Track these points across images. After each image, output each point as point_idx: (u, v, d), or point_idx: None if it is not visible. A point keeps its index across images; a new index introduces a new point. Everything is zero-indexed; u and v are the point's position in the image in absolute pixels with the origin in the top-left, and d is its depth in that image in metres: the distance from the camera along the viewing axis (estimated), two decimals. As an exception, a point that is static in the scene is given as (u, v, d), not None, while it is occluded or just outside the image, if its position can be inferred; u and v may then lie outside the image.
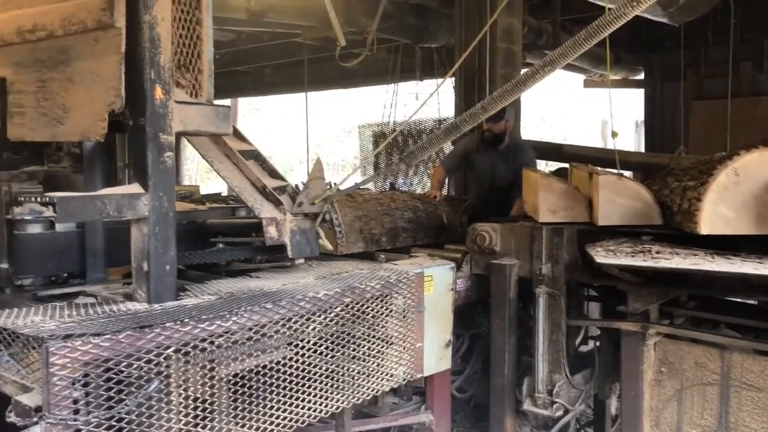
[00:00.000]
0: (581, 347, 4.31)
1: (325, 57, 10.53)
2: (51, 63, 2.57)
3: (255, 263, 3.39)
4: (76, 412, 1.85)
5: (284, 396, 2.46)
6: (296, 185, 3.14)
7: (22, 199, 2.85)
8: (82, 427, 1.85)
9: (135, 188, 2.39)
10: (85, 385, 1.89)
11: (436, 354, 3.35)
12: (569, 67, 9.71)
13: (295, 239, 2.87)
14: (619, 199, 3.42)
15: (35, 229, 2.80)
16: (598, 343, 3.86)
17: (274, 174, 3.05)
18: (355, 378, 2.73)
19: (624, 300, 3.32)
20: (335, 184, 3.11)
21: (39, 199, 2.84)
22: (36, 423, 1.81)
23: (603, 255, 3.03)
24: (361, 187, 4.25)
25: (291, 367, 2.47)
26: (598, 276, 3.37)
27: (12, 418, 1.87)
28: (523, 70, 6.86)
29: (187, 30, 2.58)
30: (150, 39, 2.36)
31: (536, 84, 2.90)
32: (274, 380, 2.40)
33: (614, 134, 4.66)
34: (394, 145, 10.02)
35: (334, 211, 2.97)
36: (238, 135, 3.07)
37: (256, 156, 3.05)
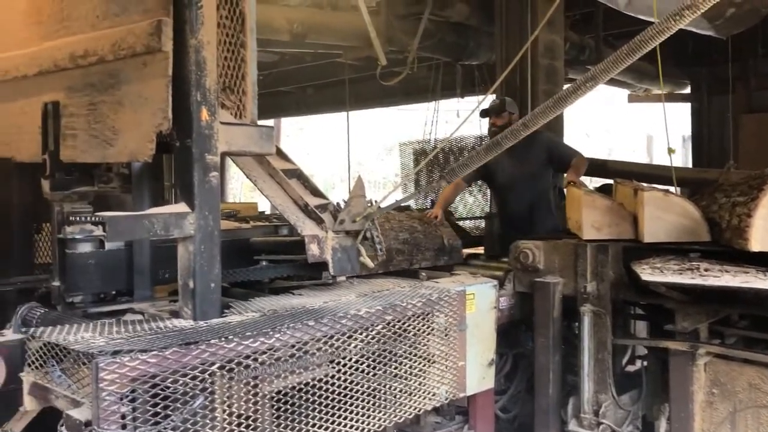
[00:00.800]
0: (628, 367, 4.22)
1: (365, 76, 10.64)
2: (101, 87, 2.65)
3: (297, 281, 3.43)
4: (124, 427, 1.88)
5: (326, 414, 2.47)
6: (338, 203, 3.17)
7: (74, 218, 2.94)
8: (129, 442, 1.89)
9: (181, 207, 2.45)
10: (133, 400, 1.93)
11: (479, 373, 3.32)
12: (613, 82, 9.62)
13: (336, 257, 2.89)
14: (665, 215, 3.35)
15: (86, 247, 2.88)
16: (645, 363, 3.78)
17: (316, 192, 3.09)
18: (397, 396, 2.72)
19: (672, 319, 3.24)
20: (376, 201, 3.13)
21: (89, 219, 2.93)
22: (86, 437, 1.86)
23: (649, 273, 2.97)
24: (402, 204, 4.26)
25: (333, 384, 2.48)
26: (644, 294, 3.30)
27: (63, 431, 1.92)
28: (566, 86, 6.83)
29: (232, 53, 2.64)
30: (196, 62, 2.42)
31: (579, 99, 2.87)
32: (316, 398, 2.41)
33: (671, 151, 4.58)
34: (435, 163, 10.02)
35: (374, 229, 2.99)
36: (281, 154, 3.12)
37: (298, 175, 3.10)
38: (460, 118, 9.01)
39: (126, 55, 2.51)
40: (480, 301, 3.36)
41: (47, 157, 2.88)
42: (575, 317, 3.62)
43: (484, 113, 5.21)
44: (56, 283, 2.93)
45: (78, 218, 2.91)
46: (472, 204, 10.55)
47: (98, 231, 2.90)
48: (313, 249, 2.83)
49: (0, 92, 3.16)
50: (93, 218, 2.91)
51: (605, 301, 3.49)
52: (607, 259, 3.49)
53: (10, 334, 2.69)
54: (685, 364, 3.21)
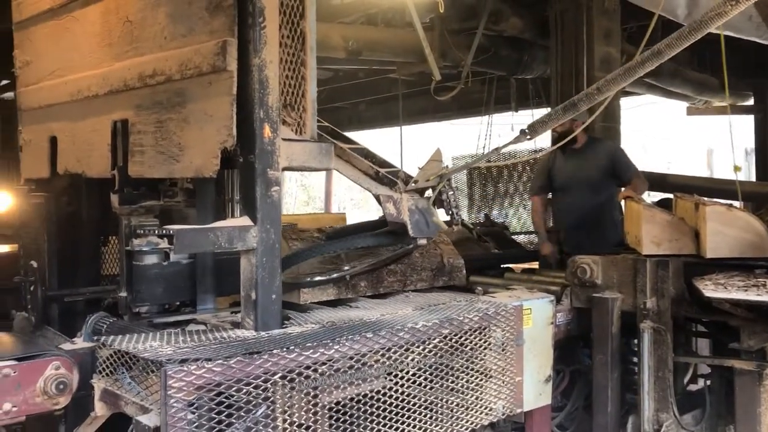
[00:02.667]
0: (690, 386, 4.11)
1: (418, 91, 10.70)
2: (168, 105, 2.76)
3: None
4: (190, 433, 1.95)
5: (383, 426, 2.49)
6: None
7: (141, 231, 3.05)
8: (195, 448, 1.94)
9: (245, 221, 2.52)
10: (198, 408, 1.99)
11: (535, 389, 3.29)
12: (672, 94, 9.42)
13: (414, 218, 2.92)
14: (728, 230, 3.28)
15: (152, 259, 2.99)
16: (708, 382, 3.67)
17: (384, 164, 3.15)
18: (454, 410, 2.73)
19: (737, 336, 3.15)
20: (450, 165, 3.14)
21: (155, 232, 3.04)
22: (155, 442, 1.93)
23: (712, 289, 2.91)
24: (473, 166, 4.23)
25: (390, 397, 2.50)
26: (707, 311, 3.22)
27: (133, 437, 2.00)
28: (622, 99, 6.74)
29: (293, 71, 2.72)
30: (259, 81, 2.50)
31: (645, 71, 2.88)
32: (374, 409, 2.44)
33: (736, 169, 4.48)
34: (488, 177, 9.99)
35: (450, 190, 3.01)
36: (346, 139, 3.19)
37: (365, 153, 3.16)
38: (515, 131, 8.96)
39: (192, 74, 2.61)
40: (537, 316, 3.33)
41: (116, 173, 3.01)
42: (634, 334, 3.56)
43: None
44: (123, 294, 3.05)
45: (145, 231, 3.02)
46: (527, 218, 10.46)
47: (164, 244, 3.01)
48: (389, 208, 2.87)
49: (73, 111, 3.31)
50: (159, 231, 3.02)
51: (666, 317, 3.42)
52: (668, 275, 3.42)
53: (80, 342, 2.81)
54: (751, 384, 3.12)
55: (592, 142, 5.24)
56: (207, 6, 2.56)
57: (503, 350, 2.94)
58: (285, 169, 2.65)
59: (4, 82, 12.76)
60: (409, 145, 11.75)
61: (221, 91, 2.51)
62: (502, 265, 4.81)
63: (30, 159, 3.69)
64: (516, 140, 3.21)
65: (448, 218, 3.18)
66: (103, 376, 2.45)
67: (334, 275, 2.99)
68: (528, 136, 3.23)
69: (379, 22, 7.34)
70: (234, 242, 2.47)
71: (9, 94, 12.68)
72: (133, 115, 2.93)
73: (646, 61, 2.76)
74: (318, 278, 2.98)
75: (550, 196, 5.50)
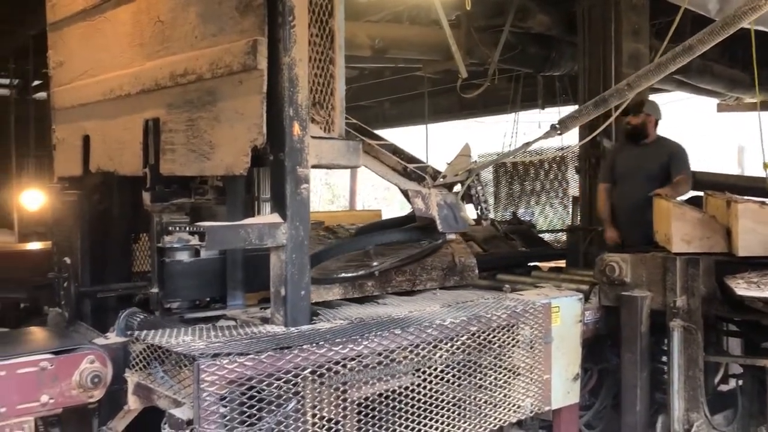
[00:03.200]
0: (721, 386, 4.05)
1: (444, 89, 10.68)
2: (199, 103, 2.79)
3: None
4: (223, 426, 1.97)
5: (411, 422, 2.50)
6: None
7: (172, 228, 3.10)
8: (227, 441, 1.97)
9: (274, 218, 2.54)
10: (230, 402, 2.02)
11: (563, 387, 3.27)
12: (702, 91, 9.28)
13: (442, 213, 2.92)
14: (761, 228, 3.23)
15: (182, 256, 3.03)
16: (740, 382, 3.63)
17: (412, 160, 3.16)
18: (482, 407, 2.73)
19: (769, 336, 3.11)
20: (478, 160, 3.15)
21: (186, 229, 3.08)
22: (188, 435, 1.96)
23: (745, 287, 2.87)
24: (500, 163, 4.22)
25: (418, 393, 2.51)
26: (739, 310, 3.18)
27: (166, 430, 2.03)
28: (651, 96, 6.66)
29: (322, 69, 2.74)
30: (289, 79, 2.52)
31: (676, 67, 2.88)
32: (402, 405, 2.45)
33: (766, 166, 4.41)
34: (514, 175, 9.95)
35: (479, 185, 3.01)
36: (374, 136, 3.21)
37: (393, 149, 3.18)
38: (542, 129, 8.91)
39: (223, 73, 2.64)
40: (565, 314, 3.32)
41: (148, 171, 3.05)
42: (663, 333, 3.52)
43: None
44: (155, 290, 3.09)
45: (176, 228, 3.06)
46: (553, 216, 10.40)
47: (194, 240, 3.04)
48: (418, 203, 2.88)
49: (105, 110, 3.37)
50: (190, 228, 3.05)
51: (696, 316, 3.38)
52: (698, 273, 3.38)
53: (113, 337, 2.86)
54: (784, 384, 3.07)
55: (661, 140, 5.21)
56: (237, 5, 2.59)
57: (531, 348, 2.93)
58: (314, 166, 2.67)
59: (37, 82, 13.02)
60: (434, 143, 11.75)
61: (252, 90, 2.54)
62: (529, 263, 4.79)
63: (63, 157, 3.76)
64: (546, 135, 3.19)
65: (476, 213, 3.18)
66: (136, 370, 2.49)
67: (362, 272, 3.01)
68: (558, 131, 3.22)
69: (405, 20, 7.34)
70: (264, 239, 2.50)
71: (41, 95, 12.93)
72: (165, 114, 2.97)
73: (678, 56, 2.74)
74: (345, 275, 3.00)
75: None
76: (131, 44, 3.19)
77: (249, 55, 2.51)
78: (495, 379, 2.77)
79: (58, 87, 3.84)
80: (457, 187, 3.08)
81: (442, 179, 2.94)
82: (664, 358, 3.71)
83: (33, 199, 10.86)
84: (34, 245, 7.88)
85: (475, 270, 3.64)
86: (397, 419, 2.47)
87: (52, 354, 2.41)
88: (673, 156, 5.04)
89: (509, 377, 2.84)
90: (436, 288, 3.41)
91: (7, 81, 14.04)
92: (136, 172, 3.12)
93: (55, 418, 2.58)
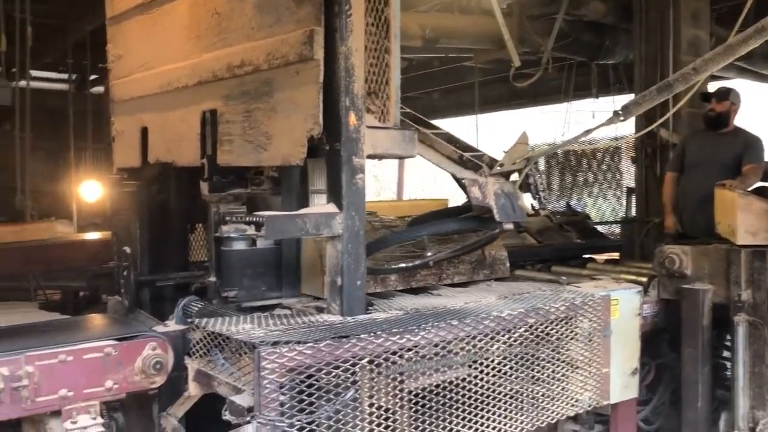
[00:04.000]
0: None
1: (493, 79, 10.56)
2: (256, 95, 2.81)
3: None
4: (282, 414, 1.99)
5: (468, 413, 2.48)
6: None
7: (229, 218, 3.13)
8: (287, 429, 1.99)
9: (330, 208, 2.55)
10: (289, 389, 2.03)
11: (621, 381, 3.20)
12: (765, 78, 8.93)
13: (500, 202, 2.88)
14: (832, 219, 3.09)
15: (239, 245, 3.06)
16: (808, 380, 3.48)
17: (468, 149, 3.12)
18: (539, 400, 2.69)
19: (842, 332, 2.98)
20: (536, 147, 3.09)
21: (243, 219, 3.11)
22: (248, 422, 1.98)
23: (816, 281, 2.75)
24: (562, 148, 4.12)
25: (475, 384, 2.49)
26: (809, 304, 3.06)
27: (227, 416, 2.06)
28: (712, 84, 6.45)
29: (377, 59, 2.72)
30: (345, 69, 2.51)
31: (747, 50, 2.81)
32: (459, 396, 2.43)
33: None
34: (566, 166, 9.78)
35: (537, 174, 2.95)
36: (429, 125, 3.18)
37: (448, 138, 3.15)
38: (596, 119, 8.74)
39: (280, 64, 2.65)
40: (624, 307, 3.24)
41: (206, 162, 3.09)
42: (726, 327, 3.42)
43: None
44: (212, 279, 3.14)
45: (233, 218, 3.10)
46: (606, 208, 10.19)
47: (251, 230, 3.07)
48: (474, 192, 2.84)
49: (163, 102, 3.43)
50: (246, 218, 3.08)
51: (762, 310, 3.27)
52: (765, 266, 3.27)
53: (173, 325, 2.92)
54: None
55: (738, 130, 5.06)
56: (294, -5, 2.59)
57: (590, 341, 2.88)
58: (369, 156, 2.66)
59: (94, 77, 13.38)
60: (483, 134, 11.62)
61: (308, 80, 2.54)
62: (584, 255, 4.70)
63: (122, 149, 3.84)
64: (609, 122, 3.11)
65: (533, 203, 3.12)
66: (196, 357, 2.53)
67: (417, 262, 2.99)
68: (622, 118, 3.13)
69: (455, 9, 7.26)
70: (320, 229, 2.51)
71: (98, 89, 13.28)
72: (222, 105, 3.00)
73: (750, 38, 2.63)
74: (400, 265, 2.98)
75: None
76: (188, 37, 3.23)
77: (305, 45, 2.52)
78: (553, 372, 2.72)
79: (117, 80, 3.92)
80: (514, 176, 3.02)
81: (499, 168, 2.90)
82: (726, 353, 3.60)
83: (91, 190, 11.17)
84: (92, 235, 8.12)
85: (506, 263, 3.48)
86: (453, 410, 2.45)
87: (116, 340, 2.46)
88: (747, 146, 4.86)
89: (567, 370, 2.79)
90: (465, 280, 3.29)
91: (65, 76, 14.48)
92: (194, 162, 3.16)
93: (117, 403, 2.65)
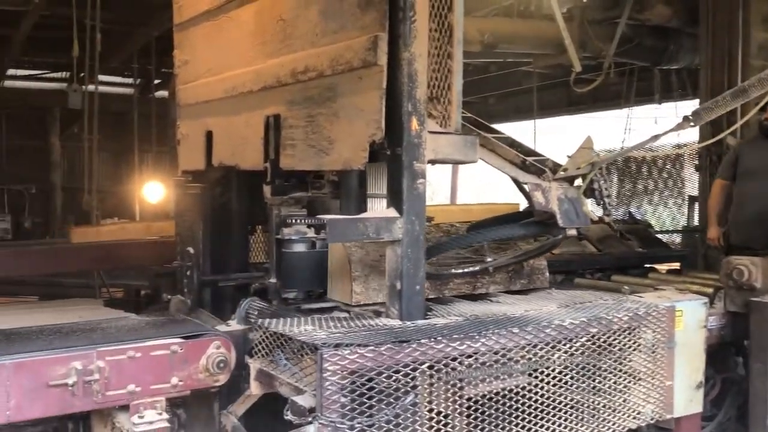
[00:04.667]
0: None
1: (551, 84, 10.44)
2: (319, 100, 2.85)
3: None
4: (343, 416, 2.01)
5: (527, 422, 2.45)
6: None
7: (290, 221, 3.19)
8: (348, 431, 2.01)
9: (391, 212, 2.56)
10: (351, 392, 2.05)
11: (686, 395, 3.11)
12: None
13: (563, 208, 2.83)
14: None
15: (300, 248, 3.11)
16: None
17: (530, 153, 3.09)
18: (600, 412, 2.64)
19: None
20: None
21: (303, 222, 3.16)
22: (310, 423, 2.01)
23: None
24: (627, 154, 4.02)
25: (535, 393, 2.46)
26: None
27: (289, 416, 2.09)
28: None
29: (440, 64, 2.73)
30: (408, 74, 2.53)
31: None
32: (518, 405, 2.41)
33: None
34: (626, 173, 9.57)
35: (602, 179, 2.89)
36: (490, 129, 3.16)
37: (510, 142, 3.12)
38: (658, 125, 8.53)
39: (343, 69, 2.68)
40: (688, 318, 3.15)
41: (268, 165, 3.15)
42: (798, 342, 3.28)
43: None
44: (273, 280, 3.19)
45: (294, 221, 3.15)
46: (666, 217, 9.93)
47: (311, 233, 3.12)
48: (537, 197, 2.80)
49: (228, 106, 3.51)
50: (306, 221, 3.13)
51: (838, 326, 3.13)
52: (840, 280, 3.13)
53: (234, 325, 2.98)
54: None
55: None
56: (358, 2, 2.62)
57: (653, 352, 2.81)
58: (431, 161, 2.67)
59: (157, 81, 13.78)
60: (540, 140, 11.49)
61: (371, 86, 2.56)
62: (645, 265, 4.60)
63: (187, 152, 3.94)
64: (678, 127, 3.03)
65: (599, 209, 3.05)
66: (258, 357, 2.58)
67: (477, 267, 2.97)
68: (692, 123, 3.05)
69: (514, 14, 7.21)
70: (381, 233, 2.52)
71: (162, 93, 13.68)
72: (285, 110, 3.05)
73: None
74: (458, 270, 2.98)
75: None
76: (253, 43, 3.30)
77: (369, 51, 2.54)
78: (614, 383, 2.67)
79: (183, 85, 4.02)
80: (578, 182, 2.98)
81: (562, 172, 2.85)
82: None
83: (153, 192, 11.51)
84: (154, 236, 8.36)
85: (546, 273, 3.34)
86: (511, 419, 2.43)
87: (182, 338, 2.53)
88: None
89: (629, 382, 2.73)
90: (501, 290, 3.15)
91: (130, 80, 14.96)
92: (257, 166, 3.22)
93: (180, 400, 2.72)
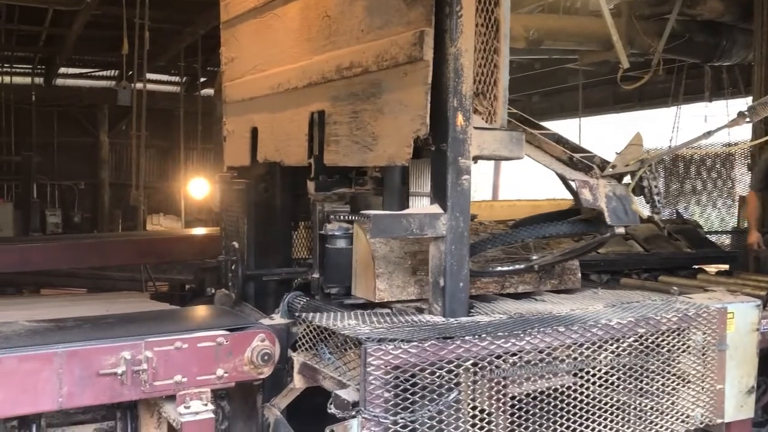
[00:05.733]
0: None
1: (596, 82, 10.28)
2: (364, 96, 2.85)
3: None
4: (387, 410, 2.01)
5: (571, 422, 2.42)
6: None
7: (333, 217, 3.20)
8: (391, 426, 2.01)
9: (435, 208, 2.55)
10: (394, 387, 2.05)
11: (737, 399, 3.02)
12: None
13: (611, 205, 2.78)
14: None
15: (343, 243, 3.12)
16: None
17: (578, 150, 3.04)
18: (647, 414, 2.59)
19: None
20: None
21: (347, 217, 3.17)
22: (353, 417, 2.01)
23: None
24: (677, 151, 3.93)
25: (580, 394, 2.42)
26: None
27: (332, 409, 2.10)
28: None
29: (486, 59, 2.70)
30: (454, 70, 2.51)
31: None
32: (563, 405, 2.37)
33: None
34: (673, 173, 9.35)
35: (652, 178, 2.82)
36: (536, 125, 3.13)
37: (557, 139, 3.07)
38: (708, 123, 8.31)
39: (388, 65, 2.68)
40: (740, 321, 3.06)
41: (313, 161, 3.17)
42: None
43: None
44: (316, 275, 3.21)
45: (337, 216, 3.16)
46: (715, 218, 9.68)
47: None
48: (585, 194, 2.75)
49: (273, 103, 3.54)
50: (350, 217, 3.14)
51: None
52: None
53: (278, 318, 3.01)
54: None
55: None
56: (405, -3, 2.61)
57: (703, 355, 2.74)
58: (476, 157, 2.64)
59: (203, 79, 14.01)
60: (584, 138, 11.30)
61: (416, 81, 2.55)
62: (694, 266, 4.49)
63: (232, 148, 3.99)
64: (733, 123, 2.94)
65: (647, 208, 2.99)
66: (302, 351, 2.59)
67: (522, 265, 2.94)
68: (747, 119, 2.95)
69: (560, 10, 7.11)
70: (424, 229, 2.51)
71: (207, 91, 13.90)
72: (330, 107, 3.06)
73: None
74: (504, 268, 2.95)
75: None
76: (299, 39, 3.32)
77: (415, 47, 2.53)
78: (662, 385, 2.61)
79: (230, 81, 4.08)
80: (626, 179, 2.92)
81: (611, 169, 2.80)
82: None
83: (198, 188, 11.71)
84: (198, 230, 8.51)
85: (578, 273, 3.24)
86: (555, 418, 2.39)
87: (228, 331, 2.57)
88: None
89: (678, 384, 2.67)
90: (531, 290, 3.07)
91: (176, 78, 15.25)
92: (301, 162, 3.24)
93: (224, 392, 2.76)
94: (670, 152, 3.20)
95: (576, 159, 2.87)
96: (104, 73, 16.14)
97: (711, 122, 8.30)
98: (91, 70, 16.02)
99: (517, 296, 3.07)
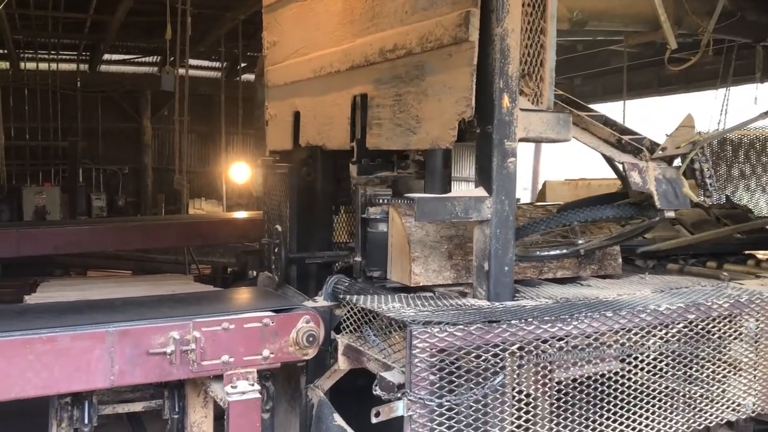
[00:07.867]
0: None
1: (641, 64, 10.02)
2: (407, 78, 2.83)
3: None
4: (432, 393, 2.01)
5: (618, 408, 2.38)
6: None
7: (375, 200, 3.20)
8: (436, 408, 2.01)
9: (480, 192, 2.52)
10: (439, 369, 2.05)
11: (789, 388, 2.95)
12: None
13: (661, 188, 2.72)
14: None
15: (384, 227, 3.11)
16: None
17: (626, 132, 2.98)
18: (697, 401, 2.54)
19: None
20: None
21: (389, 201, 3.16)
22: (399, 398, 2.02)
23: None
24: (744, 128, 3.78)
25: (628, 380, 2.38)
26: None
27: (378, 391, 2.11)
28: None
29: (532, 39, 2.65)
30: (500, 50, 2.47)
31: None
32: (611, 390, 2.34)
33: None
34: (721, 157, 9.08)
35: (704, 160, 2.74)
36: (583, 107, 3.07)
37: (605, 121, 3.01)
38: (758, 105, 8.05)
39: (433, 47, 2.65)
40: (794, 308, 2.98)
41: (355, 145, 3.17)
42: None
43: None
44: (358, 259, 3.22)
45: (379, 200, 3.16)
46: (764, 203, 9.38)
47: (396, 212, 3.11)
48: (634, 177, 2.70)
49: (315, 87, 3.54)
50: (393, 200, 3.13)
51: None
52: None
53: (321, 301, 3.03)
54: None
55: None
56: (450, -22, 2.58)
57: (756, 342, 2.67)
58: (522, 140, 2.60)
59: (243, 64, 14.10)
60: (628, 121, 11.06)
61: (461, 62, 2.52)
62: (745, 252, 4.37)
63: (275, 132, 4.01)
64: None
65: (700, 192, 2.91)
66: (346, 333, 2.61)
67: (567, 250, 2.90)
68: None
69: (604, -10, 6.92)
70: (469, 212, 2.49)
71: (247, 76, 14.00)
72: (372, 90, 3.05)
73: None
74: (550, 252, 2.91)
75: None
76: (341, 22, 3.31)
77: (460, 27, 2.50)
78: (713, 372, 2.56)
79: (272, 66, 4.09)
80: (677, 162, 2.84)
81: (661, 152, 2.73)
82: None
83: (239, 172, 11.83)
84: (240, 214, 8.62)
85: (618, 259, 3.18)
86: (602, 403, 2.37)
87: (273, 312, 2.59)
88: None
89: (729, 372, 2.61)
90: (570, 275, 3.03)
91: (217, 64, 15.39)
92: (344, 146, 3.24)
93: (268, 372, 2.79)
94: (723, 134, 3.10)
95: (625, 141, 2.81)
96: (146, 59, 16.39)
97: (762, 104, 8.05)
98: (134, 56, 16.28)
99: (560, 281, 3.04)
